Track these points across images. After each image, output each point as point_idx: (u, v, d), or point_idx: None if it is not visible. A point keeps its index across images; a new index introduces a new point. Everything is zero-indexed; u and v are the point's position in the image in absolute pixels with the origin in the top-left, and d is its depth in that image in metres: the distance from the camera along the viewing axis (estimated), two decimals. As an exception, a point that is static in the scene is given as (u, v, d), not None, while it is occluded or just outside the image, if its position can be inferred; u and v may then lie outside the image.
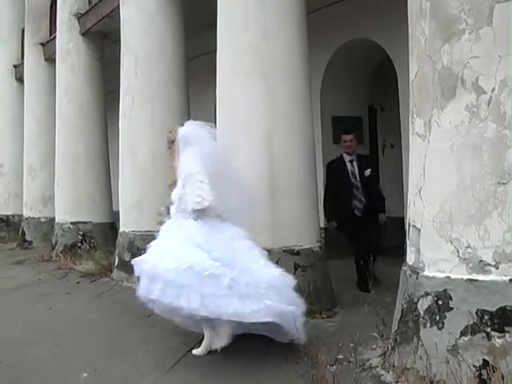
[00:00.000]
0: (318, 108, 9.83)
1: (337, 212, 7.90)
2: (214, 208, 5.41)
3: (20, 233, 15.32)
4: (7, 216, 17.58)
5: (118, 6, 9.80)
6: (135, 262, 5.51)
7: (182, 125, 5.87)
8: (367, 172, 7.81)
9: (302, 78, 6.80)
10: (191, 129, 5.81)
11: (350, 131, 8.11)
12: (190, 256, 5.11)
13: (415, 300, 4.36)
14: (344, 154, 7.91)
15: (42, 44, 15.38)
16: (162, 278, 5.09)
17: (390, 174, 11.68)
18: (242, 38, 6.61)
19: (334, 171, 7.99)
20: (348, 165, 7.86)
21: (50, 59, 14.82)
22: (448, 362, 4.01)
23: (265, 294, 5.06)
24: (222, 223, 5.50)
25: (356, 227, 7.70)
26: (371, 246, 7.68)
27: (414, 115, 4.54)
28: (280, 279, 5.29)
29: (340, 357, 5.01)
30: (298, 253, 6.50)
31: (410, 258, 4.57)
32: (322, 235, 7.10)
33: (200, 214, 5.41)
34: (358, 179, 7.82)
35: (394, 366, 4.55)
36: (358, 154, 8.06)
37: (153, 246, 5.49)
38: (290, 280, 5.38)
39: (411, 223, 4.56)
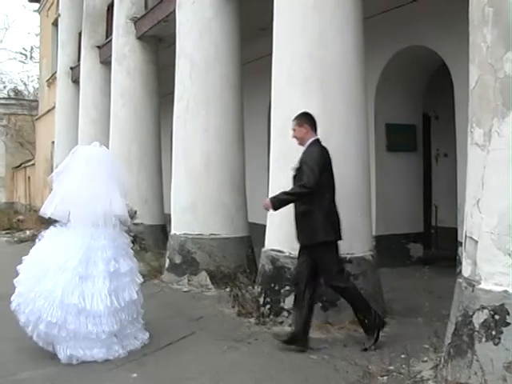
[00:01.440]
0: (372, 115, 9.74)
1: None
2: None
3: (72, 232, 15.51)
4: (60, 215, 17.86)
5: (174, 10, 9.88)
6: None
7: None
8: (293, 167, 5.83)
9: (357, 85, 6.76)
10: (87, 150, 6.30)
11: (297, 116, 5.98)
12: None
13: (470, 313, 4.27)
14: None
15: (98, 47, 15.67)
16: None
17: (444, 184, 11.54)
18: (299, 43, 6.59)
19: None
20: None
21: (106, 62, 15.07)
22: (505, 380, 3.92)
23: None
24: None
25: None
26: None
27: (473, 125, 4.45)
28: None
29: (391, 368, 4.94)
30: (349, 261, 6.42)
31: (466, 270, 4.47)
32: (374, 243, 7.01)
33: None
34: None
35: (446, 380, 4.45)
36: (313, 143, 5.83)
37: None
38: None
39: (468, 235, 4.46)
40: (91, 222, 5.83)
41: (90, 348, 5.52)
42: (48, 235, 6.00)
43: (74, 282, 5.55)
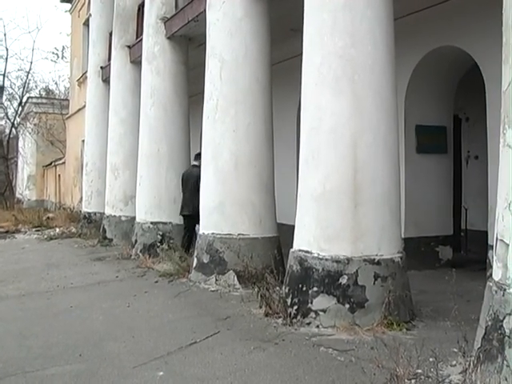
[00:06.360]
0: (402, 116, 9.67)
1: None
2: None
3: (101, 230, 15.66)
4: (89, 213, 18.05)
5: (205, 10, 9.90)
6: None
7: None
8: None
9: (388, 86, 6.70)
10: None
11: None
12: None
13: (501, 318, 4.21)
14: None
15: (129, 47, 15.72)
16: None
17: (474, 186, 11.43)
18: (329, 42, 6.55)
19: None
20: None
21: (136, 61, 15.14)
22: (536, 385, 3.86)
23: None
24: None
25: None
26: None
27: (506, 126, 4.38)
28: None
29: (419, 371, 4.89)
30: (378, 262, 6.38)
31: (497, 274, 4.40)
32: (403, 245, 6.95)
33: None
34: None
35: (475, 384, 4.40)
36: None
37: None
38: None
39: (499, 238, 4.40)
40: None
41: None
42: None
43: None
